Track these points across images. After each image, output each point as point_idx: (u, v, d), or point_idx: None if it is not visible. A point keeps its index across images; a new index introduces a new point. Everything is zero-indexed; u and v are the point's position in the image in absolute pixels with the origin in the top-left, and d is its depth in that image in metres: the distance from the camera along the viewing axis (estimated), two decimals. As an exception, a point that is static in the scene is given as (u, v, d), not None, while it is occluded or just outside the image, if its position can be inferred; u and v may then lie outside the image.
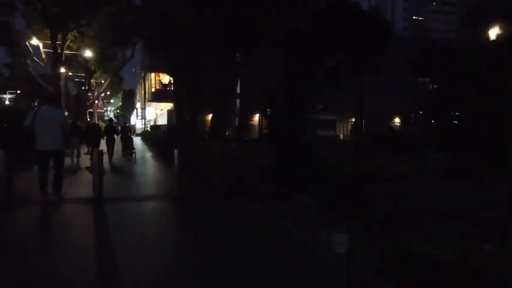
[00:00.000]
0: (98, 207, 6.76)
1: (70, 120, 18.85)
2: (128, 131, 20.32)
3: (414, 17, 40.47)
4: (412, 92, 39.36)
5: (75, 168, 12.30)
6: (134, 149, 17.04)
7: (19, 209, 6.48)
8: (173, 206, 7.15)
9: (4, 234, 5.15)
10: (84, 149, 15.47)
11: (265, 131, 32.61)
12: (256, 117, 34.83)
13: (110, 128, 15.89)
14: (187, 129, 24.07)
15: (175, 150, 7.42)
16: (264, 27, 14.78)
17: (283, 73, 13.76)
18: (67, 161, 13.43)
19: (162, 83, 36.62)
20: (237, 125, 35.35)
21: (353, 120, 38.20)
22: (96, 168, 6.97)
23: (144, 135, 34.51)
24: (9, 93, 47.80)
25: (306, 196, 6.77)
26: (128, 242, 4.85)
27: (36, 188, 7.76)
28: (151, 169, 13.47)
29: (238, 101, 35.18)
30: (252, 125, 33.74)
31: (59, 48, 25.39)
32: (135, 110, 54.56)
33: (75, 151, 13.47)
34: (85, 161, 13.31)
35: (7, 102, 46.91)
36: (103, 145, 15.33)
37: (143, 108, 43.75)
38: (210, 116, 31.10)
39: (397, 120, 37.14)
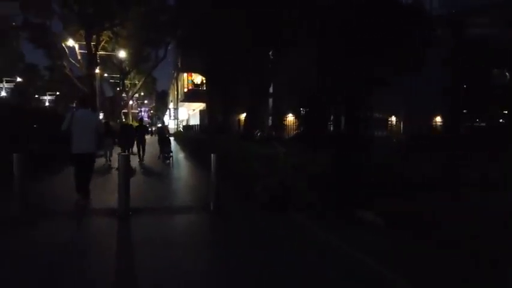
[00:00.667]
0: (123, 221, 5.69)
1: (104, 121, 18.36)
2: (165, 132, 17.75)
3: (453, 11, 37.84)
4: (453, 91, 36.66)
5: (107, 169, 11.93)
6: (172, 152, 14.94)
7: (30, 225, 5.44)
8: (210, 221, 5.95)
9: None
10: (117, 150, 15.00)
11: (297, 131, 31.26)
12: (289, 117, 33.50)
13: (141, 129, 15.29)
14: (219, 129, 23.22)
15: (212, 155, 6.24)
16: (298, 24, 13.37)
17: (326, 70, 12.29)
18: (100, 161, 13.20)
19: (194, 83, 35.85)
20: (269, 124, 34.12)
21: (392, 119, 36.02)
22: (122, 176, 5.89)
23: (176, 135, 33.94)
24: (49, 95, 48.78)
25: (370, 211, 5.41)
26: (154, 275, 3.69)
27: (56, 195, 6.86)
28: (183, 172, 12.34)
29: (270, 100, 33.95)
30: (285, 125, 32.41)
31: (93, 49, 25.03)
32: (167, 110, 54.42)
33: (108, 152, 13.56)
34: (117, 161, 12.63)
35: (47, 104, 47.83)
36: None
37: (176, 109, 43.28)
38: (242, 116, 30.15)
39: (438, 119, 34.72)
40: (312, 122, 12.92)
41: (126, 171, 5.94)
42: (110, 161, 13.25)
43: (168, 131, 44.07)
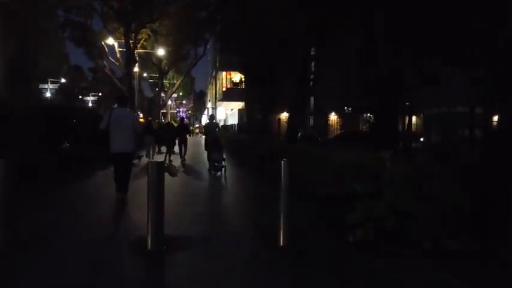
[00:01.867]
0: (153, 262, 3.66)
1: (143, 120, 17.22)
2: (216, 131, 11.95)
3: None
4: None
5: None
6: (224, 160, 10.23)
7: (8, 265, 3.47)
8: (281, 267, 3.71)
9: None
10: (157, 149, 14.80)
11: (341, 131, 28.71)
12: (332, 116, 31.04)
13: (182, 128, 14.07)
14: (259, 129, 21.35)
15: (283, 163, 4.07)
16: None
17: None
18: (142, 160, 12.24)
19: (233, 81, 34.09)
20: (311, 124, 31.82)
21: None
22: (152, 196, 3.85)
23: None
24: (92, 96, 48.83)
25: None
26: None
27: (72, 213, 5.03)
28: (231, 181, 9.63)
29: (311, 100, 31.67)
30: (328, 125, 29.98)
31: (131, 46, 23.74)
32: (205, 110, 53.07)
33: (151, 151, 12.99)
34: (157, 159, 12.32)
35: (90, 104, 47.80)
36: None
37: (214, 108, 41.68)
38: (282, 116, 28.19)
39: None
40: (382, 118, 10.45)
41: (159, 188, 3.88)
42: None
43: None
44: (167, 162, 12.82)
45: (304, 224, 4.98)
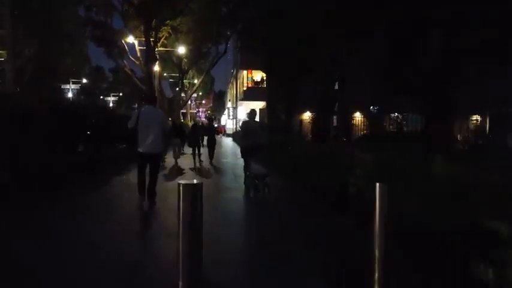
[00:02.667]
0: None
1: (170, 120, 16.65)
2: (256, 130, 8.27)
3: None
4: None
5: (176, 171, 10.72)
6: (267, 176, 7.10)
7: None
8: None
9: None
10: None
11: (366, 131, 27.13)
12: (357, 116, 29.51)
13: (210, 129, 13.69)
14: (283, 129, 20.09)
15: (378, 186, 2.67)
16: None
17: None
18: (170, 161, 12.35)
19: (254, 80, 32.88)
20: (334, 124, 30.38)
21: (475, 118, 30.27)
22: (186, 232, 2.52)
23: (235, 136, 31.20)
24: (113, 96, 48.50)
25: None
26: None
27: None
28: (274, 197, 7.18)
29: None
30: (353, 125, 28.42)
31: (152, 44, 22.77)
32: (226, 110, 51.96)
33: (176, 151, 12.90)
34: (182, 161, 12.59)
35: (111, 105, 47.40)
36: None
37: (235, 108, 40.44)
38: (305, 115, 26.87)
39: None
40: (436, 118, 8.77)
41: (195, 221, 2.54)
42: (176, 162, 12.36)
43: (225, 131, 41.32)
44: (197, 164, 12.05)
45: (402, 270, 3.19)
